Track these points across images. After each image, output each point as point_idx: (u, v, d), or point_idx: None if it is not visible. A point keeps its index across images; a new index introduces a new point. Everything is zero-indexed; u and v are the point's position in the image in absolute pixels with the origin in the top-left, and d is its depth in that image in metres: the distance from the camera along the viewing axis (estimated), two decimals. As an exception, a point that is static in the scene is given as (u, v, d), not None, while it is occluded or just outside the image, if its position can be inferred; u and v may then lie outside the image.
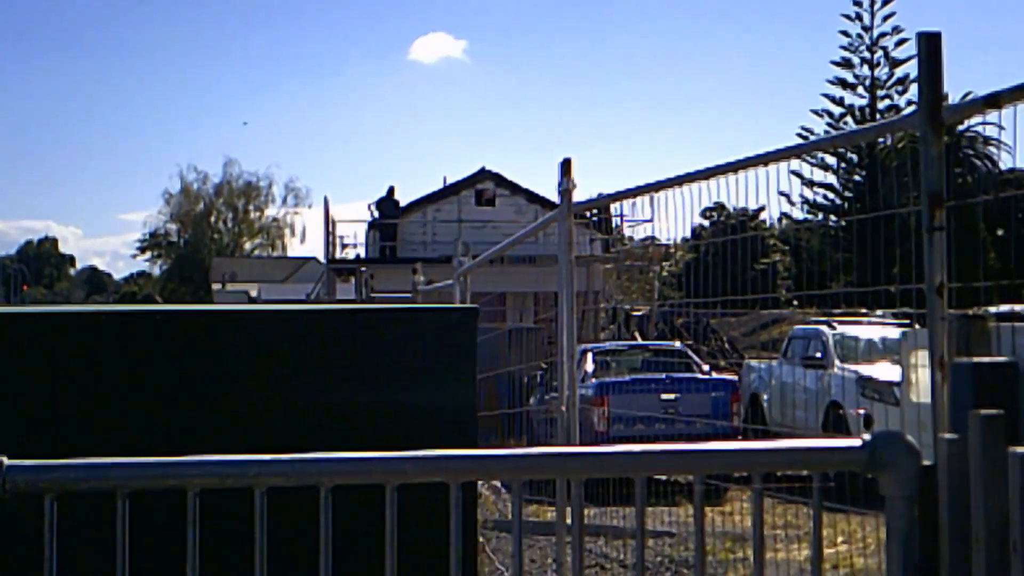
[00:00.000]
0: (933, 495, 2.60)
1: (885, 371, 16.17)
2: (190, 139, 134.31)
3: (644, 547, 2.64)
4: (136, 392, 4.32)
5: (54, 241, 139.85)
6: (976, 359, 2.72)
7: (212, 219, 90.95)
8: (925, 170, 3.14)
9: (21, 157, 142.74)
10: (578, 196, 6.76)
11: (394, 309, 4.85)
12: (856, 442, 2.59)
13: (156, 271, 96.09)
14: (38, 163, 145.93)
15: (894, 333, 17.38)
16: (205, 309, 5.08)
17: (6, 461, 2.45)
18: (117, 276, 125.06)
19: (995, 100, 2.97)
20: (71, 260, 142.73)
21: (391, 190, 37.21)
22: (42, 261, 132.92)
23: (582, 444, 8.53)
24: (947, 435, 2.63)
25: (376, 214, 37.29)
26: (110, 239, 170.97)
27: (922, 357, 3.32)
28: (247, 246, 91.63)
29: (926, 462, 2.62)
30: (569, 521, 6.42)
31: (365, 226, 38.61)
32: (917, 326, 13.95)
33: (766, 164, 4.54)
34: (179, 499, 2.57)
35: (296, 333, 4.51)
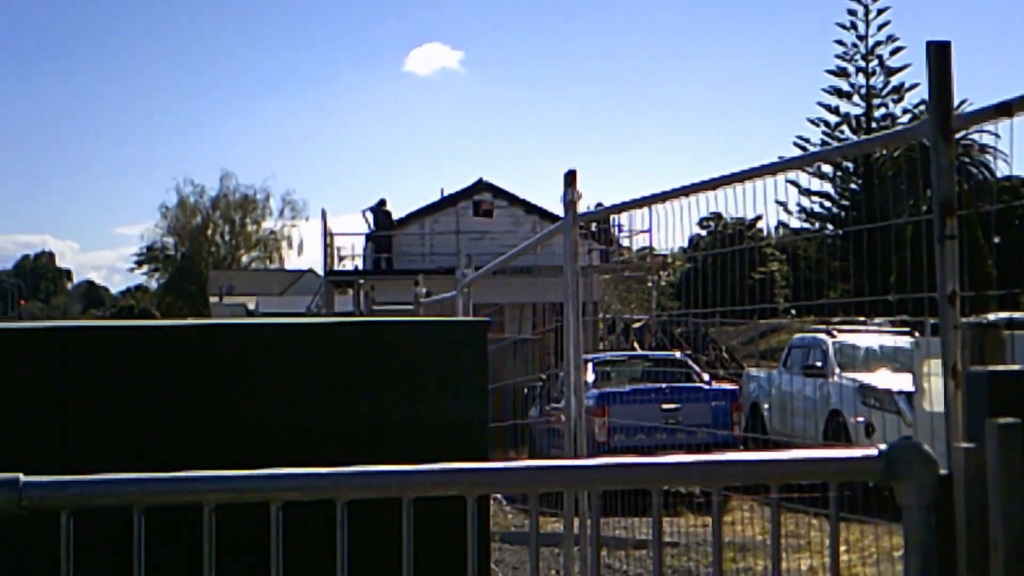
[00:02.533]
0: (950, 504, 2.59)
1: (885, 379, 16.18)
2: (187, 152, 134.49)
3: (661, 558, 2.64)
4: (146, 407, 4.31)
5: (51, 255, 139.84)
6: (991, 367, 2.72)
7: (209, 232, 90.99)
8: (936, 179, 3.14)
9: (18, 171, 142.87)
10: (579, 207, 6.77)
11: (405, 322, 4.85)
12: (873, 452, 2.59)
13: (153, 285, 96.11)
14: (35, 177, 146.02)
15: (893, 341, 17.40)
16: (215, 323, 5.07)
17: (23, 478, 2.44)
18: (114, 290, 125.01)
19: (1007, 108, 2.97)
20: (68, 274, 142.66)
21: (382, 202, 37.17)
22: (39, 275, 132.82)
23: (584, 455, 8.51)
24: (963, 444, 2.63)
25: (370, 220, 37.24)
26: (107, 253, 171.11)
27: (934, 366, 3.32)
28: (244, 259, 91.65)
29: (942, 471, 2.62)
30: (577, 531, 6.40)
31: (363, 238, 38.59)
32: (917, 334, 13.96)
33: (773, 174, 4.54)
34: (196, 514, 2.56)
35: (307, 346, 4.50)
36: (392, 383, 4.46)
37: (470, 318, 7.98)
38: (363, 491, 2.59)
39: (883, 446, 2.59)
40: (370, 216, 37.29)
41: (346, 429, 4.38)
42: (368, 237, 37.87)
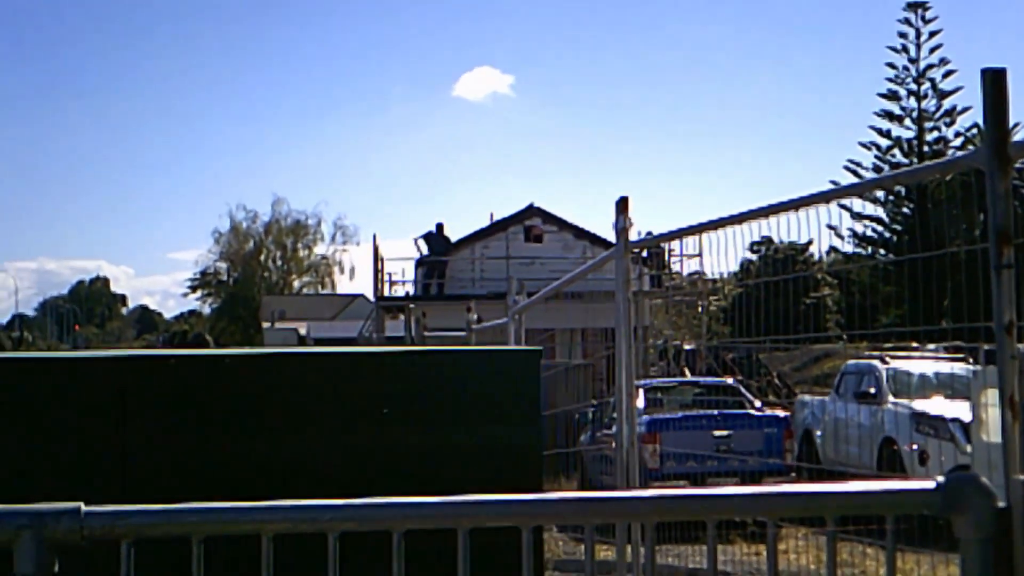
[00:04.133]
0: (1008, 537, 2.57)
1: (939, 406, 15.99)
2: (239, 178, 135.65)
3: (716, 590, 2.63)
4: (205, 435, 4.35)
5: (106, 280, 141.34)
6: (1050, 399, 2.70)
7: (261, 257, 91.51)
8: (992, 207, 3.12)
9: (74, 197, 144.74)
10: (630, 232, 6.76)
11: (459, 351, 4.87)
12: (930, 484, 2.57)
13: (206, 310, 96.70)
14: (90, 203, 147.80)
15: (948, 368, 17.21)
16: (272, 352, 5.13)
17: (84, 508, 2.47)
18: (167, 315, 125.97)
19: (1064, 138, 2.95)
20: (122, 299, 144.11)
21: (439, 227, 37.30)
22: (94, 301, 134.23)
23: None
24: (1022, 476, 2.60)
25: (424, 248, 37.35)
26: (161, 278, 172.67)
27: (992, 396, 3.29)
28: (296, 284, 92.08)
29: (1000, 504, 2.59)
30: (629, 559, 6.38)
31: (413, 263, 38.69)
32: (972, 360, 13.80)
33: (826, 202, 4.52)
34: (251, 543, 2.58)
35: (363, 375, 4.53)
36: (447, 412, 4.48)
37: (523, 347, 7.99)
38: (420, 522, 2.60)
39: (940, 478, 2.57)
40: (423, 244, 37.38)
41: (402, 457, 4.40)
42: (419, 262, 37.98)
